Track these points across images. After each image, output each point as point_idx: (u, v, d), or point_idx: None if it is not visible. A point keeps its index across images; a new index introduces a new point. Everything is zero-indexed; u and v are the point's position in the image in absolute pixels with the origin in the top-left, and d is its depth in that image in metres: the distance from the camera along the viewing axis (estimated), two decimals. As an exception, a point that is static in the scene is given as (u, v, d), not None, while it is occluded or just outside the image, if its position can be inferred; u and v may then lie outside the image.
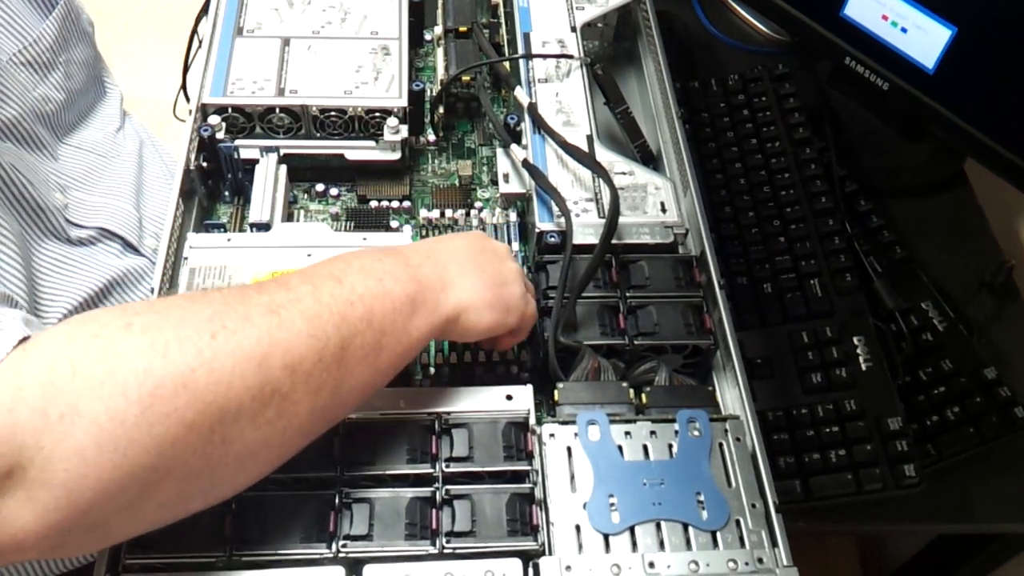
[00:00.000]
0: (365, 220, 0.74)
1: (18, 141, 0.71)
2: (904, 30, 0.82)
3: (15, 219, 0.67)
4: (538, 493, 0.54)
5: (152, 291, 0.62)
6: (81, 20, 0.82)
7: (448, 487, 0.54)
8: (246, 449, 0.45)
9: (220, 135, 0.71)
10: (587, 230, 0.67)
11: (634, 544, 0.53)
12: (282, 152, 0.73)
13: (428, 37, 0.87)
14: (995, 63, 0.77)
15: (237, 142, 0.72)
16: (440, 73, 0.81)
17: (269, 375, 0.45)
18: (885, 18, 0.83)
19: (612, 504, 0.54)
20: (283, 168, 0.73)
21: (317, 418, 0.48)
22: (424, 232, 0.74)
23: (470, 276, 0.56)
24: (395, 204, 0.75)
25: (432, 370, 0.66)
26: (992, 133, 0.79)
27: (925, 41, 0.80)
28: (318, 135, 0.75)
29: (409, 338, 0.52)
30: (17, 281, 0.62)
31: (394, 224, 0.74)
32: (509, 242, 0.72)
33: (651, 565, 0.52)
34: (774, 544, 0.54)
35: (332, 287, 0.49)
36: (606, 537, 0.53)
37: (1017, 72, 0.76)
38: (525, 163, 0.72)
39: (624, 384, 0.60)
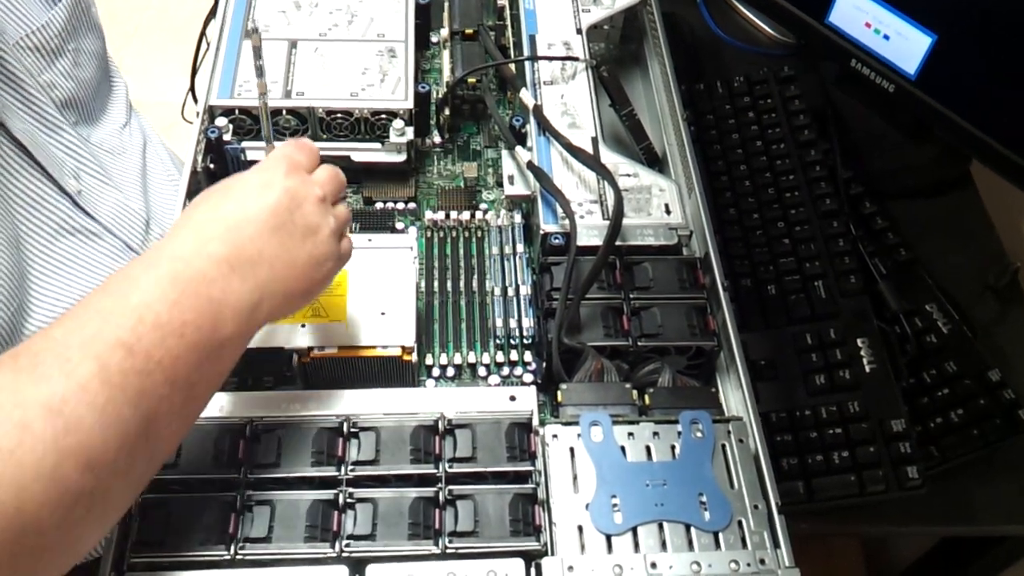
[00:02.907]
0: (371, 222, 0.75)
1: (34, 123, 0.71)
2: (886, 37, 0.82)
3: (10, 217, 0.67)
4: (541, 494, 0.55)
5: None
6: (91, 12, 0.82)
7: (451, 487, 0.54)
8: (63, 548, 0.41)
9: (227, 137, 0.72)
10: (591, 232, 0.67)
11: (636, 545, 0.53)
12: (288, 154, 0.73)
13: (434, 39, 0.87)
14: (974, 69, 0.78)
15: (244, 144, 0.72)
16: (446, 75, 0.82)
17: (66, 485, 0.40)
18: (868, 25, 0.84)
19: (615, 505, 0.54)
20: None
21: (137, 486, 0.45)
22: (429, 235, 0.74)
23: (283, 278, 0.50)
24: (400, 206, 0.76)
25: (436, 371, 0.66)
26: (996, 135, 0.79)
27: (907, 48, 0.81)
28: (324, 137, 0.75)
29: (220, 376, 0.48)
30: None
31: (399, 225, 0.75)
32: (514, 244, 0.73)
33: (653, 566, 0.52)
34: (776, 545, 0.54)
35: (122, 360, 0.42)
36: (608, 538, 0.53)
37: (997, 76, 0.77)
38: (530, 165, 0.72)
39: (627, 385, 0.61)
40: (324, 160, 0.74)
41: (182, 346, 0.44)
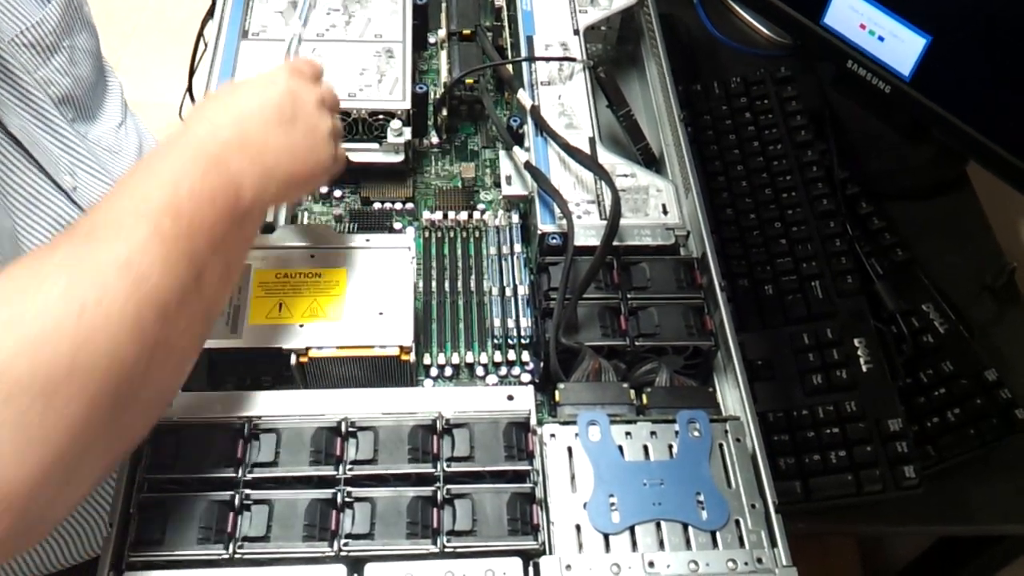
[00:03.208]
0: (368, 222, 0.75)
1: (31, 119, 0.71)
2: (881, 38, 0.83)
3: (8, 213, 0.67)
4: (539, 493, 0.54)
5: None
6: (84, 10, 0.82)
7: (449, 486, 0.54)
8: (146, 401, 0.47)
9: (225, 137, 0.72)
10: (589, 232, 0.68)
11: (634, 544, 0.53)
12: (286, 154, 0.74)
13: (432, 40, 0.87)
14: (968, 70, 0.79)
15: (242, 144, 0.72)
16: (444, 76, 0.82)
17: (145, 331, 0.45)
18: (863, 27, 0.84)
19: (612, 504, 0.54)
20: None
21: (197, 344, 0.51)
22: (427, 235, 0.74)
23: (285, 160, 0.55)
24: (398, 206, 0.76)
25: (434, 370, 0.67)
26: (991, 135, 0.79)
27: (901, 49, 0.81)
28: (322, 137, 0.75)
29: (247, 243, 0.55)
30: None
31: (397, 226, 0.75)
32: (511, 244, 0.73)
33: (651, 564, 0.52)
34: (773, 544, 0.54)
35: (171, 225, 0.47)
36: (606, 537, 0.53)
37: (991, 78, 0.77)
38: (527, 165, 0.72)
39: (625, 385, 0.61)
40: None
41: (215, 213, 0.50)
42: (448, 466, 0.55)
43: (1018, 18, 0.73)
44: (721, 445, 0.57)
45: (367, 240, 0.67)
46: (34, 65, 0.74)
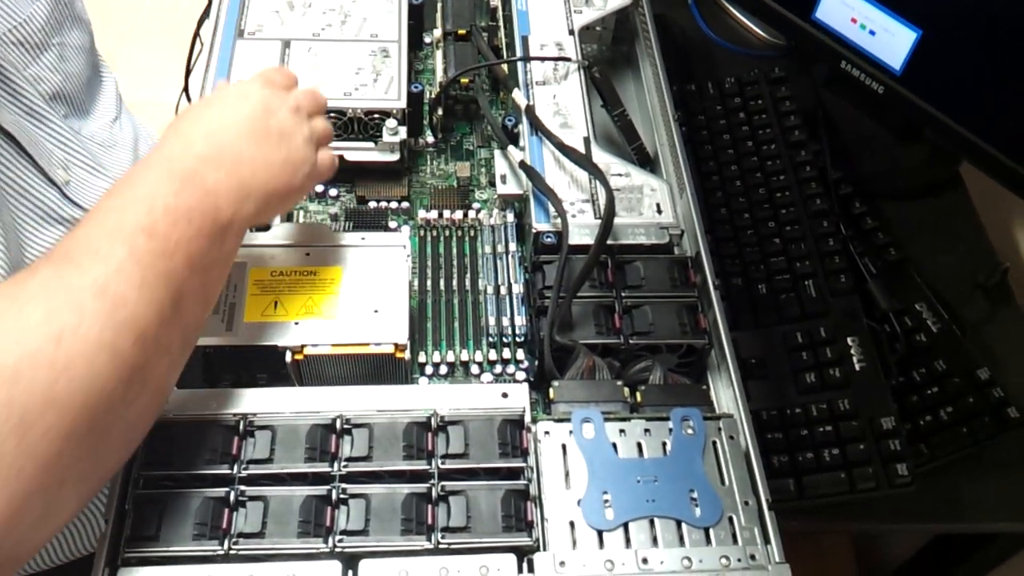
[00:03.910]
0: (364, 220, 0.75)
1: (23, 114, 0.71)
2: (872, 32, 0.83)
3: (6, 207, 0.67)
4: (533, 490, 0.55)
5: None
6: (75, 5, 0.82)
7: (444, 483, 0.54)
8: (125, 428, 0.47)
9: (221, 136, 0.72)
10: (583, 231, 0.68)
11: (628, 540, 0.53)
12: (282, 153, 0.74)
13: (427, 40, 0.88)
14: (959, 65, 0.79)
15: (238, 143, 0.72)
16: (439, 75, 0.82)
17: (124, 357, 0.44)
18: (854, 21, 0.85)
19: (606, 501, 0.54)
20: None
21: (176, 368, 0.50)
22: (422, 234, 0.75)
23: (262, 174, 0.54)
24: (394, 205, 0.76)
25: (429, 368, 0.67)
26: (982, 134, 0.80)
27: (892, 43, 0.82)
28: (318, 136, 0.75)
29: (226, 262, 0.53)
30: None
31: (392, 224, 0.75)
32: (506, 243, 0.73)
33: (644, 561, 0.52)
34: (766, 541, 0.54)
35: (147, 243, 0.47)
36: (600, 533, 0.53)
37: (982, 73, 0.78)
38: (522, 164, 0.72)
39: (619, 383, 0.61)
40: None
41: (192, 230, 0.49)
42: (443, 463, 0.55)
43: (1007, 13, 0.73)
44: (715, 443, 0.58)
45: (362, 238, 0.67)
46: (23, 63, 0.73)
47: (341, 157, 0.75)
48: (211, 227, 0.50)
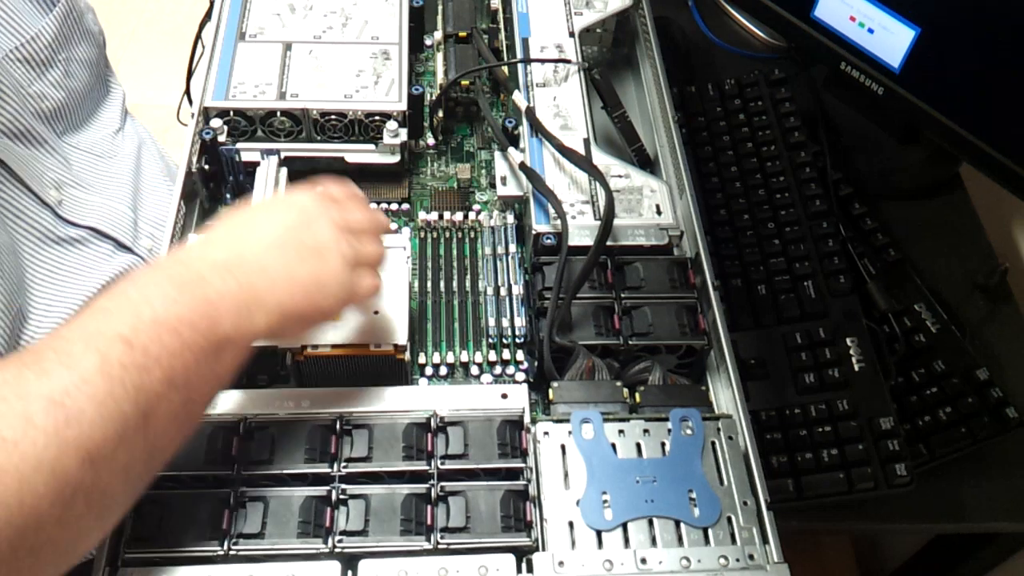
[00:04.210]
0: (364, 222, 0.75)
1: (13, 137, 0.71)
2: (871, 31, 0.84)
3: (4, 228, 0.67)
4: (532, 490, 0.55)
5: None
6: (85, 19, 0.82)
7: (443, 484, 0.55)
8: (62, 547, 0.42)
9: (222, 138, 0.72)
10: (583, 232, 0.68)
11: (626, 540, 0.53)
12: (283, 155, 0.74)
13: (428, 42, 0.88)
14: (957, 62, 0.80)
15: (238, 145, 0.73)
16: (440, 77, 0.82)
17: (66, 477, 0.40)
18: (853, 19, 0.85)
19: (605, 501, 0.55)
20: (284, 171, 0.74)
21: (135, 486, 0.46)
22: (422, 235, 0.75)
23: (281, 289, 0.50)
24: (394, 207, 0.76)
25: (429, 369, 0.67)
26: (980, 134, 0.80)
27: (891, 41, 0.82)
28: (318, 138, 0.76)
29: (218, 380, 0.48)
30: None
31: (393, 226, 0.75)
32: (506, 244, 0.73)
33: (643, 561, 0.53)
34: (765, 541, 0.54)
35: (122, 354, 0.43)
36: (599, 533, 0.54)
37: (979, 71, 0.78)
38: (523, 166, 0.73)
39: (618, 383, 0.61)
40: (319, 160, 0.76)
41: (178, 343, 0.45)
42: (442, 463, 0.55)
43: (1004, 11, 0.74)
44: (713, 443, 0.58)
45: (362, 240, 0.67)
46: (28, 80, 0.73)
47: (342, 159, 0.76)
48: (203, 341, 0.46)
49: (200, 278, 0.47)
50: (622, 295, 0.66)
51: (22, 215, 0.69)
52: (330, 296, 0.52)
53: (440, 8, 0.86)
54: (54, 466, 0.40)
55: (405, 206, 0.77)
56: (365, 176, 0.77)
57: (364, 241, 0.55)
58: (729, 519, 0.55)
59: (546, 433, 0.57)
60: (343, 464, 0.55)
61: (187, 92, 0.91)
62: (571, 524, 0.54)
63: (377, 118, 0.75)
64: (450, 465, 0.55)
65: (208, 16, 0.81)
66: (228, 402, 0.57)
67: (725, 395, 0.64)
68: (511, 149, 0.75)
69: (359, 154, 0.76)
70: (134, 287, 0.46)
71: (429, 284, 0.71)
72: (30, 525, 0.39)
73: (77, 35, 0.80)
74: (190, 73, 0.86)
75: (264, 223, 0.52)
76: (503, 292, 0.71)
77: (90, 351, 0.43)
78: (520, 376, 0.67)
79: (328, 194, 0.55)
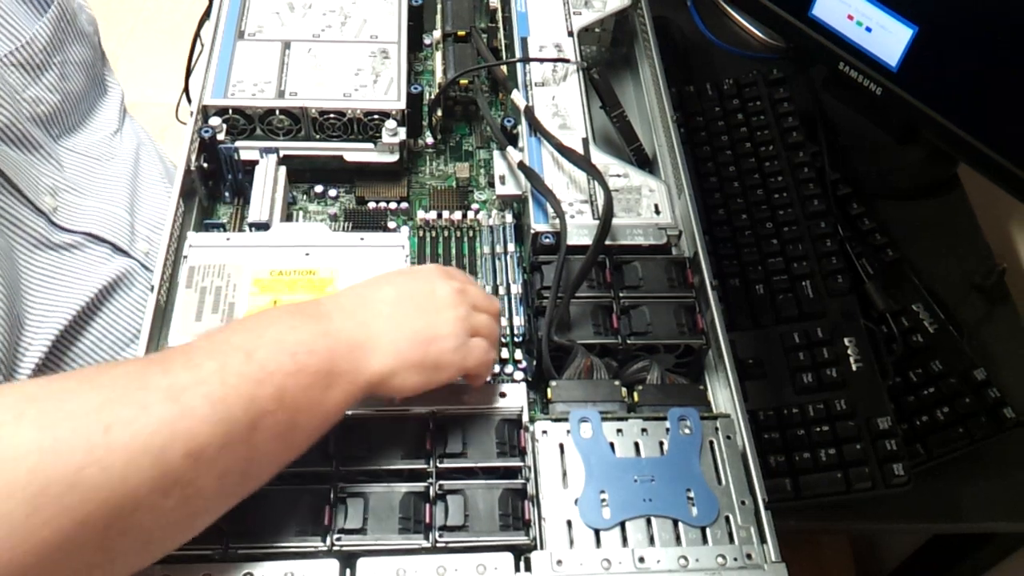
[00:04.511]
0: (363, 221, 0.75)
1: (9, 142, 0.70)
2: (869, 29, 0.84)
3: (1, 234, 0.66)
4: (530, 489, 0.55)
5: (152, 289, 0.63)
6: (79, 20, 0.81)
7: (441, 482, 0.55)
8: (149, 537, 0.44)
9: (221, 136, 0.72)
10: (582, 231, 0.68)
11: (624, 539, 0.54)
12: (282, 153, 0.74)
13: (427, 41, 0.88)
14: (954, 61, 0.80)
15: (237, 143, 0.73)
16: (438, 76, 0.82)
17: (168, 466, 0.43)
18: (851, 18, 0.85)
19: (603, 500, 0.55)
20: (282, 169, 0.74)
21: (228, 497, 0.47)
22: (421, 234, 0.75)
23: (395, 334, 0.53)
24: (393, 205, 0.76)
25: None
26: (978, 134, 0.80)
27: (888, 40, 0.82)
28: (317, 137, 0.76)
29: (326, 412, 0.50)
30: None
31: (391, 225, 0.75)
32: (505, 243, 0.73)
33: (641, 560, 0.53)
34: (763, 540, 0.54)
35: (240, 364, 0.46)
36: (597, 532, 0.54)
37: (977, 70, 0.78)
38: (521, 165, 0.73)
39: (616, 383, 0.61)
40: (319, 159, 0.76)
41: (293, 365, 0.48)
42: (441, 462, 0.56)
43: (1002, 10, 0.74)
44: (712, 442, 0.58)
45: (361, 239, 0.67)
46: (23, 84, 0.73)
47: (341, 158, 0.76)
48: (317, 368, 0.48)
49: (324, 314, 0.51)
50: (620, 294, 0.66)
51: (16, 222, 0.68)
52: (444, 350, 0.54)
53: (439, 7, 0.86)
54: (160, 454, 0.42)
55: (404, 205, 0.77)
56: (364, 175, 0.77)
57: (479, 314, 0.58)
58: (727, 518, 0.55)
59: (544, 432, 0.57)
60: (342, 463, 0.55)
61: (186, 90, 0.91)
62: (569, 523, 0.54)
63: (376, 117, 0.75)
64: (448, 464, 0.56)
65: (207, 14, 0.81)
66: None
67: (723, 394, 0.64)
68: (510, 148, 0.75)
69: (358, 153, 0.76)
70: (265, 314, 0.51)
71: (428, 283, 0.71)
72: (127, 506, 0.42)
73: (71, 37, 0.80)
74: (189, 71, 0.86)
75: (389, 282, 0.56)
76: (502, 291, 0.71)
77: (211, 357, 0.46)
78: (519, 375, 0.67)
79: (448, 271, 0.59)
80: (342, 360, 0.50)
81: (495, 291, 0.71)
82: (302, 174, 0.77)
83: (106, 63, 0.89)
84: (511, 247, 0.73)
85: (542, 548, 0.53)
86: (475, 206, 0.77)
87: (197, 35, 0.83)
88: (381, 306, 0.54)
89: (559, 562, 0.52)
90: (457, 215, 0.76)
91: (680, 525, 0.54)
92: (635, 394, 0.61)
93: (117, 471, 0.41)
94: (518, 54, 0.81)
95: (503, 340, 0.69)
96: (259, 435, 0.46)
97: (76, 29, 0.81)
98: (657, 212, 0.71)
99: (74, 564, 0.42)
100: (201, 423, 0.44)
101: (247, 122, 0.74)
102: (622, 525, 0.54)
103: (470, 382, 0.58)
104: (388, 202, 0.77)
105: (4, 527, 0.39)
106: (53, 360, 0.68)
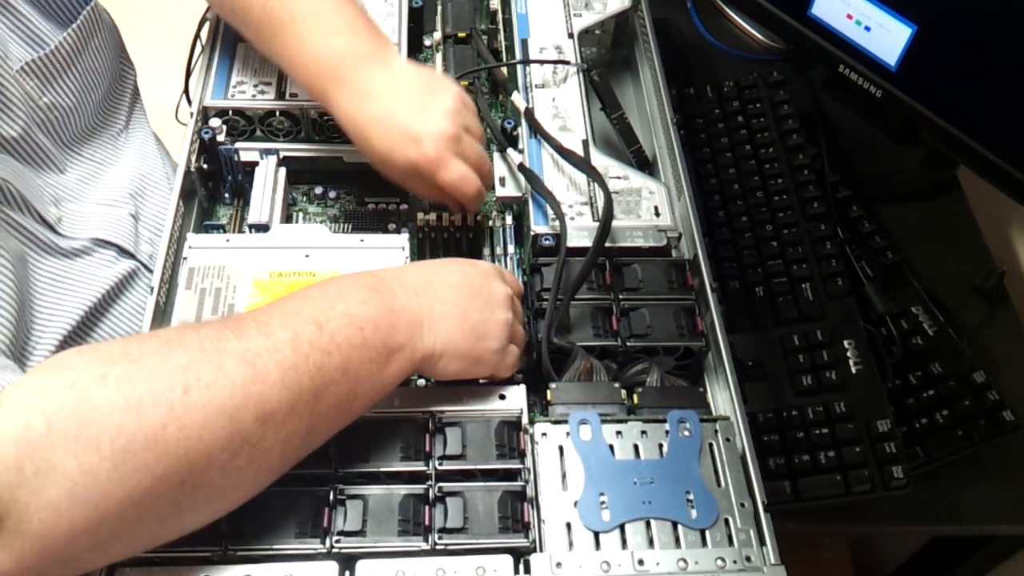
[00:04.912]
0: (363, 222, 0.75)
1: (19, 155, 0.70)
2: (868, 28, 0.84)
3: (12, 238, 0.66)
4: (530, 491, 0.55)
5: (152, 290, 0.63)
6: (104, 22, 0.80)
7: (441, 484, 0.55)
8: (216, 494, 0.47)
9: (220, 138, 0.72)
10: (581, 233, 0.68)
11: (624, 542, 0.54)
12: (281, 155, 0.74)
13: (427, 43, 0.88)
14: (953, 60, 0.80)
15: (237, 145, 0.73)
16: (438, 78, 0.82)
17: (240, 427, 0.46)
18: (850, 17, 0.86)
19: (603, 502, 0.55)
20: (282, 170, 0.74)
21: (288, 460, 0.50)
22: (421, 236, 0.75)
23: (452, 321, 0.56)
24: (393, 207, 0.76)
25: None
26: (976, 135, 0.80)
27: (887, 39, 0.82)
28: (317, 138, 0.76)
29: (383, 385, 0.53)
30: (4, 313, 0.60)
31: (392, 226, 0.75)
32: (505, 245, 0.73)
33: (640, 562, 0.53)
34: (762, 543, 0.54)
35: (312, 334, 0.49)
36: (596, 535, 0.54)
37: (976, 69, 0.78)
38: (521, 167, 0.73)
39: (616, 385, 0.61)
40: (318, 160, 0.76)
41: (360, 338, 0.51)
42: (440, 464, 0.56)
43: (1000, 9, 0.74)
44: (711, 445, 0.58)
45: (361, 240, 0.67)
46: (39, 92, 0.72)
47: (340, 159, 0.76)
48: (379, 343, 0.52)
49: (390, 290, 0.54)
50: (620, 296, 0.66)
51: (24, 230, 0.68)
52: (489, 349, 0.58)
53: (439, 8, 0.86)
54: (233, 415, 0.45)
55: (404, 206, 0.77)
56: (364, 176, 0.77)
57: (519, 325, 0.61)
58: (726, 521, 0.55)
59: (544, 434, 0.57)
60: (341, 465, 0.55)
61: (186, 91, 0.90)
62: (568, 525, 0.54)
63: (376, 118, 0.74)
64: (448, 466, 0.56)
65: (207, 15, 0.81)
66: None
67: (723, 397, 0.64)
68: (510, 150, 0.75)
69: (358, 154, 0.76)
70: (334, 285, 0.53)
71: (427, 285, 0.71)
72: (200, 463, 0.44)
73: (96, 43, 0.78)
74: (189, 72, 0.86)
75: (451, 269, 0.59)
76: (501, 293, 0.71)
77: (285, 326, 0.49)
78: (518, 377, 0.67)
79: (502, 272, 0.62)
80: (402, 337, 0.53)
81: (495, 293, 0.71)
82: (302, 175, 0.77)
83: (127, 62, 0.88)
84: (511, 249, 0.73)
85: (541, 550, 0.53)
86: (475, 208, 0.77)
87: (197, 36, 0.83)
88: (444, 290, 0.56)
89: (558, 564, 0.52)
90: (457, 217, 0.75)
91: (679, 527, 0.54)
92: (635, 396, 0.61)
93: (195, 430, 0.44)
94: (518, 56, 0.81)
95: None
96: (322, 403, 0.49)
97: (103, 34, 0.79)
98: (657, 214, 0.71)
99: (149, 516, 0.44)
100: (272, 388, 0.46)
101: (247, 123, 0.74)
102: (621, 527, 0.54)
103: (488, 380, 0.60)
104: (388, 203, 0.76)
105: (91, 480, 0.41)
106: None
